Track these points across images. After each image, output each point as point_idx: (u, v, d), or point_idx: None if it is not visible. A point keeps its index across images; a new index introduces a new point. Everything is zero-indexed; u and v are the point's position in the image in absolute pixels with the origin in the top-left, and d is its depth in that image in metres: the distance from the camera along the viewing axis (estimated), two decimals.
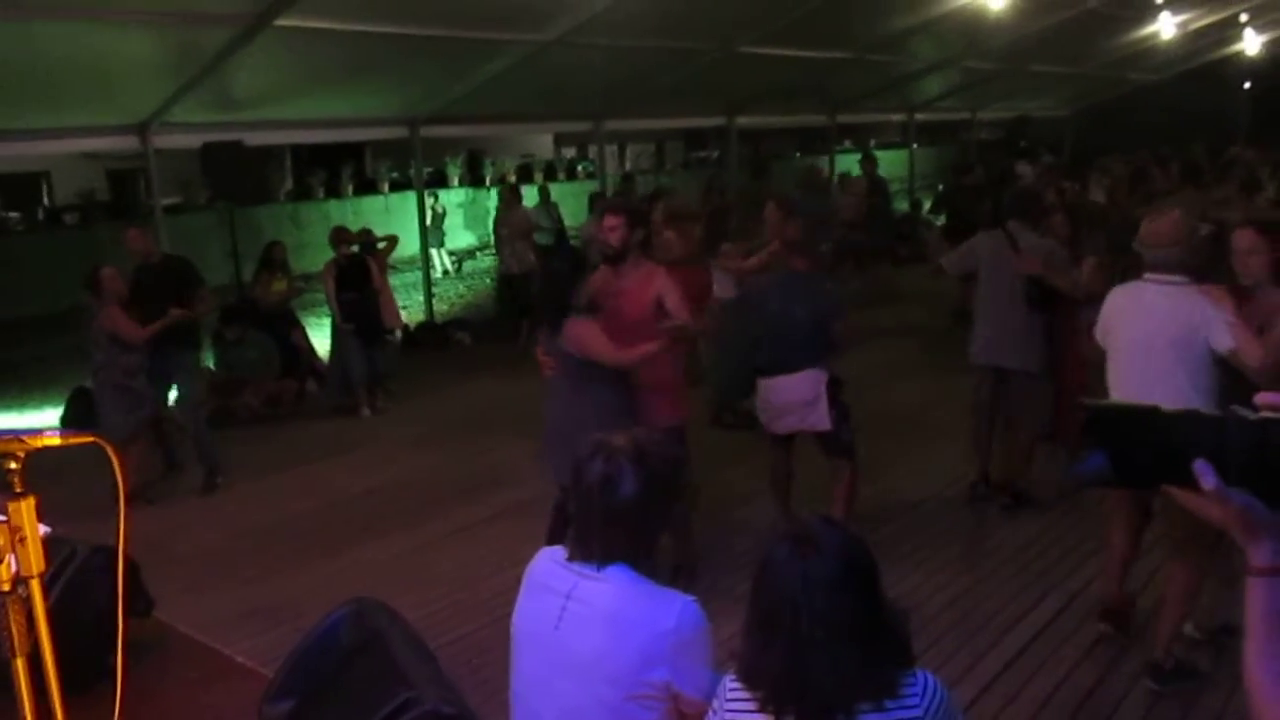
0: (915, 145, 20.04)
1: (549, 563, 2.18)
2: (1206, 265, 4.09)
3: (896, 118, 18.59)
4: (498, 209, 12.06)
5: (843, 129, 19.91)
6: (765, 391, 5.21)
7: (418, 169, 12.23)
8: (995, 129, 21.83)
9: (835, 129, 16.97)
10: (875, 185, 13.16)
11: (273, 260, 9.67)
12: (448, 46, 8.63)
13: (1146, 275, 4.01)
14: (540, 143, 24.10)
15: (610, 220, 4.69)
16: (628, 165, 22.24)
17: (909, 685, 1.69)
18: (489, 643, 4.27)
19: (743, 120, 14.35)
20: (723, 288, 6.73)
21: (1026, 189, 7.49)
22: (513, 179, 20.25)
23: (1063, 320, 5.64)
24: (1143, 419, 1.24)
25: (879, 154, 21.12)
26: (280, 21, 7.11)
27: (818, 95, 14.35)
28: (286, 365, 9.18)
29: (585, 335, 4.19)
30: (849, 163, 16.51)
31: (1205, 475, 1.20)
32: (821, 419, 5.09)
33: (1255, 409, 1.22)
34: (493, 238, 14.09)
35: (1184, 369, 3.79)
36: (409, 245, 12.05)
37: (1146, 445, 1.24)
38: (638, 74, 10.88)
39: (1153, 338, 3.88)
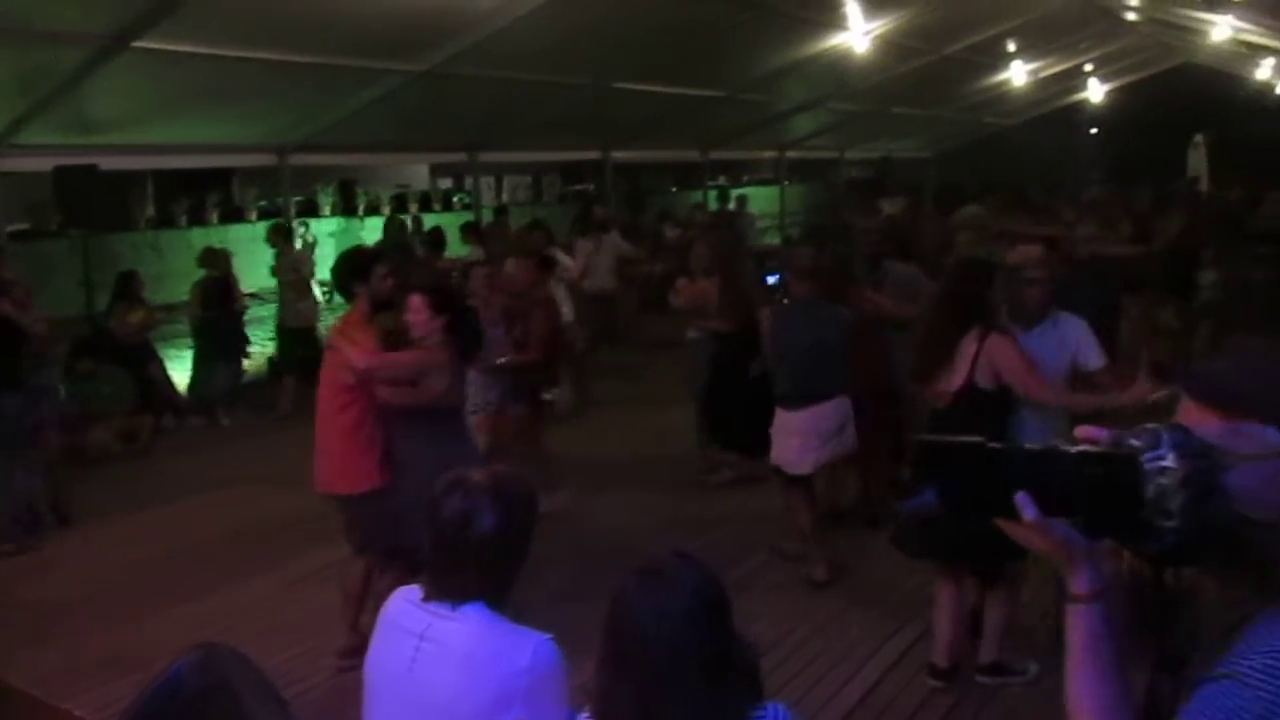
0: (787, 182, 20.56)
1: (403, 603, 2.13)
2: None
3: (768, 155, 19.06)
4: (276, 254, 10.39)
5: (718, 165, 20.33)
6: (794, 424, 5.22)
7: (286, 198, 11.93)
8: (864, 168, 22.60)
9: (709, 165, 17.29)
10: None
11: (129, 290, 9.28)
12: (318, 74, 8.48)
13: None
14: (416, 173, 23.80)
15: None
16: (504, 197, 22.13)
17: (759, 718, 1.70)
18: (346, 690, 4.13)
19: (619, 154, 14.50)
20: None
21: (895, 222, 7.80)
22: (388, 209, 20.02)
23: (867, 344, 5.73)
24: (968, 453, 1.29)
25: (752, 190, 21.68)
26: (140, 43, 6.88)
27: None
28: (143, 400, 8.80)
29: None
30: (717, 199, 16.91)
31: (1026, 507, 1.25)
32: (850, 440, 5.22)
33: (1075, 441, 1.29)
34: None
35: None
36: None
37: (972, 479, 1.28)
38: (513, 106, 10.90)
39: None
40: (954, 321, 4.14)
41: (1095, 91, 20.24)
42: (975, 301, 4.11)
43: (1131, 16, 14.54)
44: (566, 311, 9.11)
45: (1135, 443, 1.24)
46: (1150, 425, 1.26)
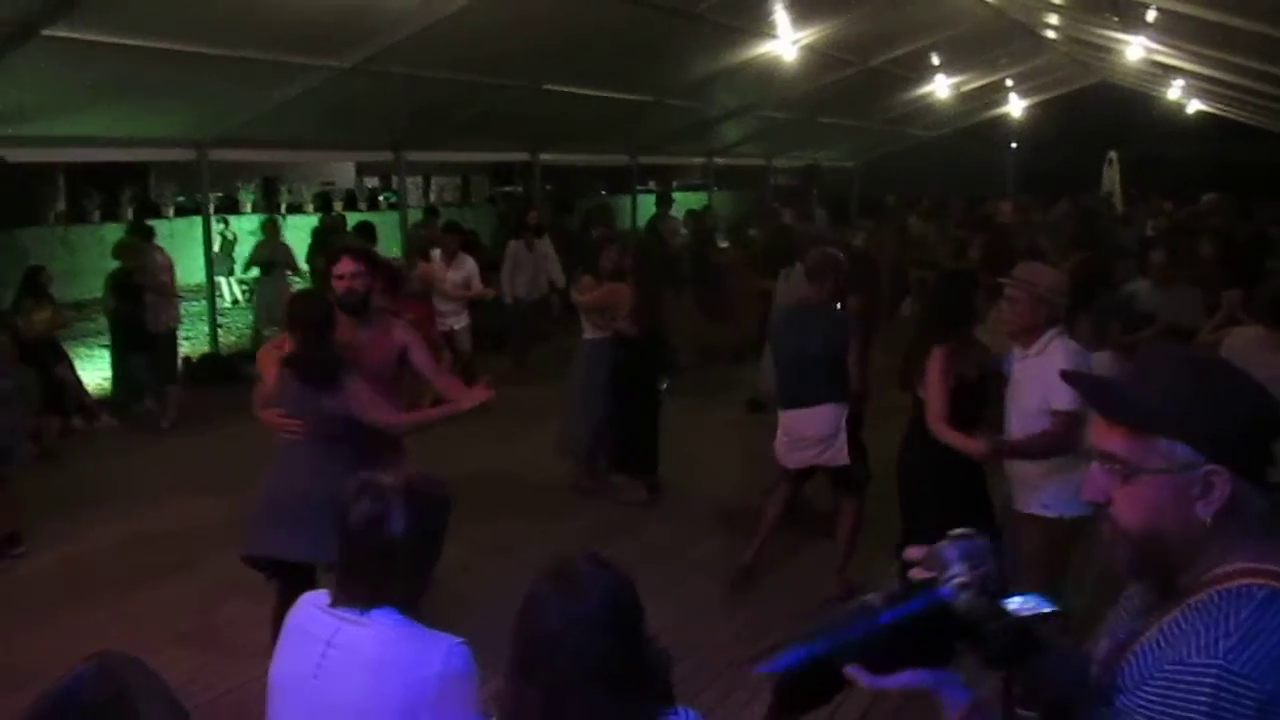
0: (716, 188, 20.69)
1: (311, 608, 2.07)
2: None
3: (697, 160, 19.16)
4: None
5: (648, 170, 20.36)
6: (783, 424, 5.29)
7: (205, 194, 11.62)
8: (791, 175, 22.85)
9: (638, 169, 17.31)
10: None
11: (36, 287, 8.94)
12: (238, 68, 8.27)
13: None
14: (342, 170, 23.43)
15: (346, 265, 4.19)
16: (432, 197, 21.91)
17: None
18: (255, 699, 4.02)
19: (547, 156, 14.44)
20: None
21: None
22: (311, 208, 19.68)
23: None
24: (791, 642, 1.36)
25: (681, 196, 21.77)
26: (49, 32, 6.63)
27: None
28: (49, 401, 8.48)
29: (366, 397, 3.86)
30: (649, 202, 16.95)
31: (858, 677, 1.31)
32: (840, 454, 5.13)
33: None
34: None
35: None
36: (195, 273, 11.43)
37: (805, 670, 1.35)
38: (440, 106, 10.77)
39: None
40: (931, 330, 4.34)
41: (1015, 107, 20.75)
42: (951, 312, 4.37)
43: (1050, 34, 14.93)
44: (455, 321, 9.11)
45: (929, 574, 1.33)
46: (940, 544, 1.31)
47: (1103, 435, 1.36)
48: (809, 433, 5.17)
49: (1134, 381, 1.36)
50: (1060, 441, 3.79)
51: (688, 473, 7.09)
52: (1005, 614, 1.29)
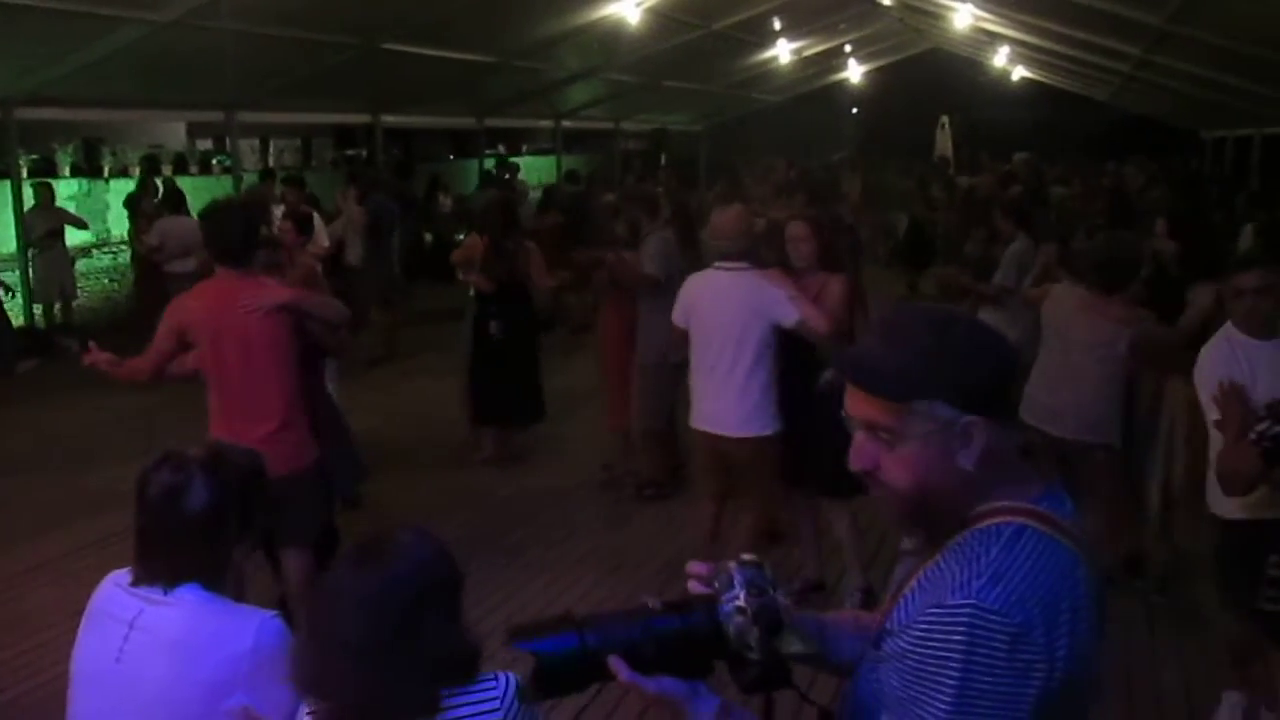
0: (565, 153, 20.57)
1: (114, 588, 1.97)
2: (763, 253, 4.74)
3: (544, 124, 18.99)
4: None
5: (496, 133, 20.04)
6: None
7: (14, 155, 10.82)
8: (640, 140, 22.91)
9: (485, 132, 17.04)
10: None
11: None
12: (44, 20, 7.70)
13: (716, 264, 4.52)
14: (172, 132, 22.23)
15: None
16: (270, 161, 21.05)
17: (486, 689, 1.67)
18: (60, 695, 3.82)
19: (390, 119, 14.04)
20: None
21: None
22: (137, 171, 18.62)
23: None
24: (560, 625, 1.35)
25: (530, 160, 21.58)
26: None
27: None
28: None
29: None
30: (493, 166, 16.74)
31: (619, 669, 1.32)
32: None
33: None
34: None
35: (751, 346, 4.34)
36: (6, 242, 10.67)
37: (568, 652, 1.33)
38: (275, 64, 10.29)
39: (728, 317, 4.39)
40: None
41: (854, 72, 21.33)
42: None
43: (886, 1, 15.37)
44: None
45: (714, 588, 1.37)
46: (728, 564, 1.36)
47: (862, 405, 1.38)
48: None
49: (883, 351, 1.38)
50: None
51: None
52: (769, 647, 1.34)
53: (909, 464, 1.36)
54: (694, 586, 1.41)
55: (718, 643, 1.34)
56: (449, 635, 1.64)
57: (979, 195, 10.63)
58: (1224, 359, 3.43)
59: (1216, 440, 3.38)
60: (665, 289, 5.52)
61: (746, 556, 1.40)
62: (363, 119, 14.25)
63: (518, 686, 1.66)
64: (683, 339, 4.60)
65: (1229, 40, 8.79)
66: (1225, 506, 3.42)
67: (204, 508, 1.89)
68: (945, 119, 20.75)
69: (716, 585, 1.37)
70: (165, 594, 1.90)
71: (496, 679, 1.68)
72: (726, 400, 4.40)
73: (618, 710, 3.74)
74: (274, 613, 1.93)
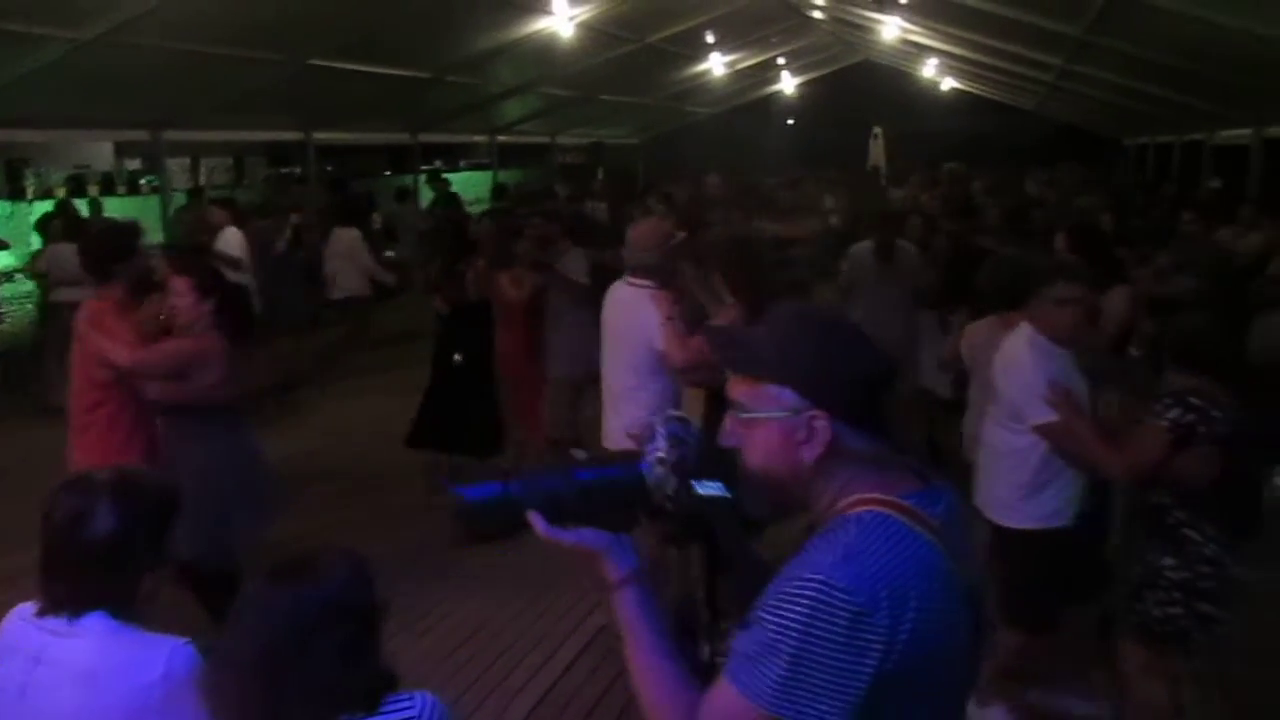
0: (502, 168, 20.49)
1: (18, 621, 1.91)
2: (675, 271, 4.56)
3: (480, 139, 18.91)
4: None
5: (432, 149, 19.86)
6: None
7: None
8: (577, 153, 22.89)
9: (420, 148, 16.91)
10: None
11: None
12: None
13: (626, 277, 4.42)
14: (99, 152, 21.72)
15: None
16: (201, 180, 20.64)
17: (400, 710, 1.63)
18: None
19: (321, 135, 13.88)
20: None
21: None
22: (62, 192, 18.16)
23: None
24: (490, 474, 1.43)
25: (468, 175, 21.44)
26: None
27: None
28: None
29: None
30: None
31: (536, 523, 1.39)
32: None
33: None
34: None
35: (635, 365, 4.24)
36: None
37: (493, 498, 1.41)
38: (203, 82, 10.11)
39: (621, 333, 4.33)
40: None
41: (788, 84, 21.57)
42: None
43: (817, 15, 15.57)
44: None
45: (634, 446, 1.42)
46: (654, 419, 1.41)
47: (733, 385, 1.46)
48: None
49: (756, 336, 1.45)
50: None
51: None
52: (688, 494, 1.38)
53: (758, 445, 1.42)
54: (619, 442, 1.48)
55: (640, 494, 1.38)
56: (352, 661, 1.60)
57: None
58: (1043, 359, 3.48)
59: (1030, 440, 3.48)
60: (579, 303, 5.58)
61: (673, 412, 1.45)
62: (295, 136, 14.08)
63: (435, 706, 1.64)
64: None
65: (1145, 50, 9.05)
66: (1016, 518, 3.51)
67: (109, 533, 1.84)
68: (878, 130, 21.05)
69: (640, 443, 1.41)
70: (71, 624, 1.84)
71: (412, 699, 1.65)
72: (619, 417, 4.30)
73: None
74: (185, 640, 1.88)
